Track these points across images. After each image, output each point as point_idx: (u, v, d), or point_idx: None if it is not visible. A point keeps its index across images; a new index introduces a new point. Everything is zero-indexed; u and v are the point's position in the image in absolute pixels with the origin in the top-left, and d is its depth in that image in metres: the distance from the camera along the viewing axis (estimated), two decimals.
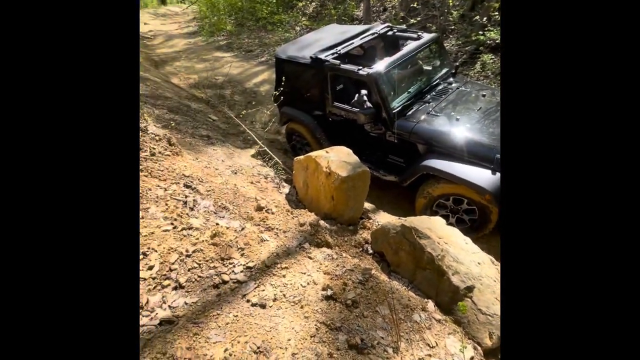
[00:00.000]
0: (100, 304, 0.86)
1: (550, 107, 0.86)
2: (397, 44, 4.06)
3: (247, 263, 1.91)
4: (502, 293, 0.90)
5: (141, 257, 1.78)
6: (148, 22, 12.87)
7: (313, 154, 3.00)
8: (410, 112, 3.38)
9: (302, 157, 3.19)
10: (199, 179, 2.68)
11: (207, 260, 1.87)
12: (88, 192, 0.89)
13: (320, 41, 4.09)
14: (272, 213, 2.58)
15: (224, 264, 1.87)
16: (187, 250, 1.88)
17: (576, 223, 0.81)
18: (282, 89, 4.19)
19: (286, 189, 3.64)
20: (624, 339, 0.73)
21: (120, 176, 0.93)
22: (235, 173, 3.42)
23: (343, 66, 3.47)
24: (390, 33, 4.16)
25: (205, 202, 2.42)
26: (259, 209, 2.58)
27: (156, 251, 1.83)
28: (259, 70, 8.01)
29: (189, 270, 1.80)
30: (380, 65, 3.32)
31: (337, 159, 2.87)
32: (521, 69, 0.89)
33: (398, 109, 3.35)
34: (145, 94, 5.26)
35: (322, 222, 2.62)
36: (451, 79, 3.85)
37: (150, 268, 1.74)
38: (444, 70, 3.90)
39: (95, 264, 0.87)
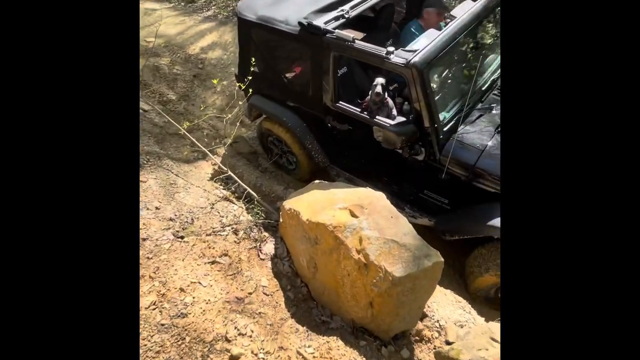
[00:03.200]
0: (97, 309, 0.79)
1: (558, 117, 0.82)
2: (433, 2, 2.55)
3: None
4: (502, 300, 0.88)
5: None
6: None
7: (327, 221, 1.61)
8: (467, 130, 2.06)
9: (299, 213, 1.79)
10: None
11: None
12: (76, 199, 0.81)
13: None
14: None
15: None
16: None
17: (577, 236, 0.79)
18: (249, 68, 2.60)
19: (270, 245, 2.26)
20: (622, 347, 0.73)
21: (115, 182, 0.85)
22: (182, 238, 1.95)
23: (359, 45, 1.98)
24: None
25: None
26: None
27: None
28: (206, 29, 5.99)
29: None
30: (427, 49, 1.87)
31: (379, 233, 1.52)
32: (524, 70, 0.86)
33: (450, 126, 2.02)
34: None
35: None
36: None
37: None
38: None
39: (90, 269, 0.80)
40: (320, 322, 1.78)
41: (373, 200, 1.72)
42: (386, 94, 2.14)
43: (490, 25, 2.43)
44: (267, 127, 2.89)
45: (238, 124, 3.24)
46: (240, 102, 2.89)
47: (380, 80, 2.09)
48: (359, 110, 2.19)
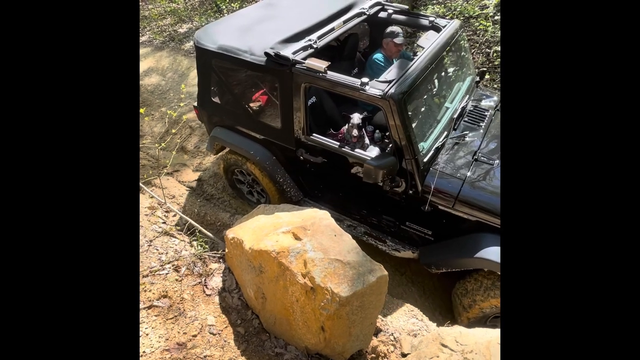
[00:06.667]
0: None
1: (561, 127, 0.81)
2: (391, 33, 2.52)
3: None
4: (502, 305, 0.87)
5: None
6: None
7: (270, 247, 1.55)
8: (445, 159, 2.00)
9: (242, 241, 1.71)
10: None
11: None
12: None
13: (269, 21, 2.36)
14: None
15: None
16: None
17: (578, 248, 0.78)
18: (210, 98, 2.46)
19: (217, 279, 2.12)
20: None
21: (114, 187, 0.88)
22: None
23: (332, 76, 1.90)
24: (383, 15, 2.62)
25: None
26: None
27: None
28: (140, 55, 5.77)
29: None
30: (402, 79, 1.83)
31: (323, 254, 1.50)
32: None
33: (430, 156, 1.96)
34: None
35: None
36: (481, 93, 2.48)
37: None
38: (468, 80, 2.44)
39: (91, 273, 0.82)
40: (274, 354, 1.68)
41: (316, 220, 1.70)
42: (359, 123, 2.09)
43: (456, 53, 2.43)
44: (235, 159, 2.67)
45: (174, 152, 3.08)
46: (173, 130, 2.75)
47: (356, 118, 2.05)
48: (338, 144, 2.09)
